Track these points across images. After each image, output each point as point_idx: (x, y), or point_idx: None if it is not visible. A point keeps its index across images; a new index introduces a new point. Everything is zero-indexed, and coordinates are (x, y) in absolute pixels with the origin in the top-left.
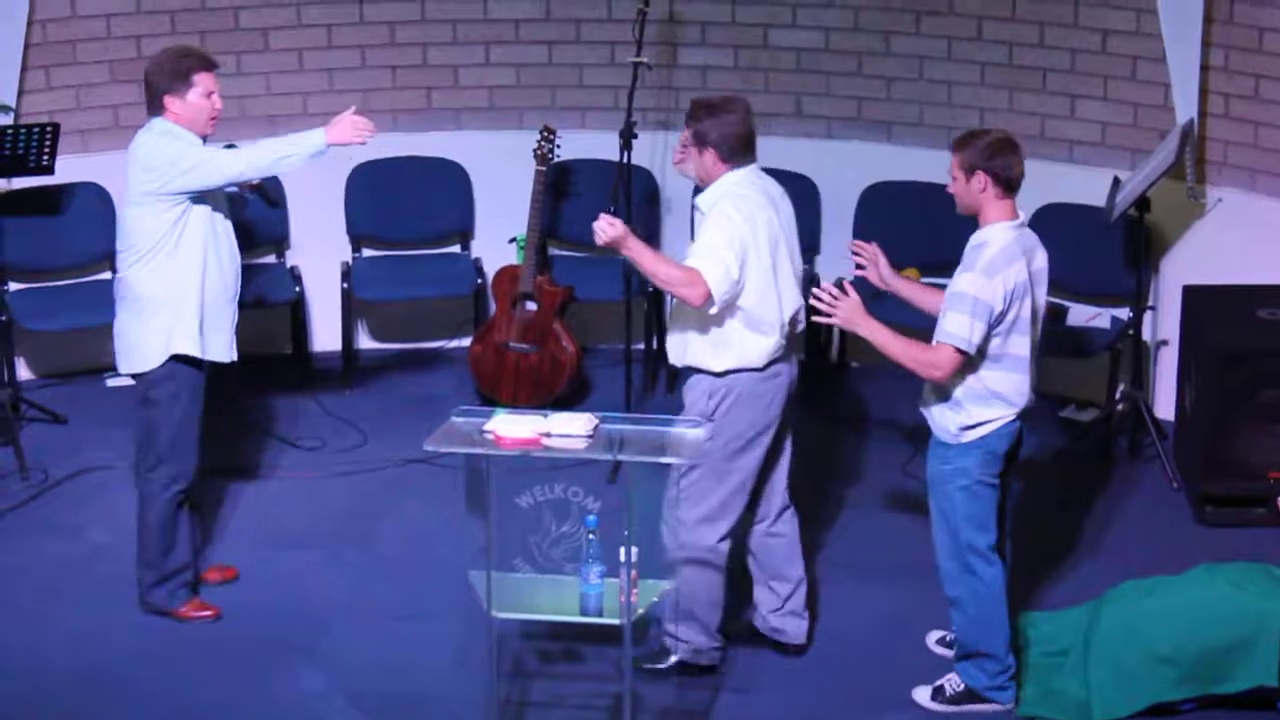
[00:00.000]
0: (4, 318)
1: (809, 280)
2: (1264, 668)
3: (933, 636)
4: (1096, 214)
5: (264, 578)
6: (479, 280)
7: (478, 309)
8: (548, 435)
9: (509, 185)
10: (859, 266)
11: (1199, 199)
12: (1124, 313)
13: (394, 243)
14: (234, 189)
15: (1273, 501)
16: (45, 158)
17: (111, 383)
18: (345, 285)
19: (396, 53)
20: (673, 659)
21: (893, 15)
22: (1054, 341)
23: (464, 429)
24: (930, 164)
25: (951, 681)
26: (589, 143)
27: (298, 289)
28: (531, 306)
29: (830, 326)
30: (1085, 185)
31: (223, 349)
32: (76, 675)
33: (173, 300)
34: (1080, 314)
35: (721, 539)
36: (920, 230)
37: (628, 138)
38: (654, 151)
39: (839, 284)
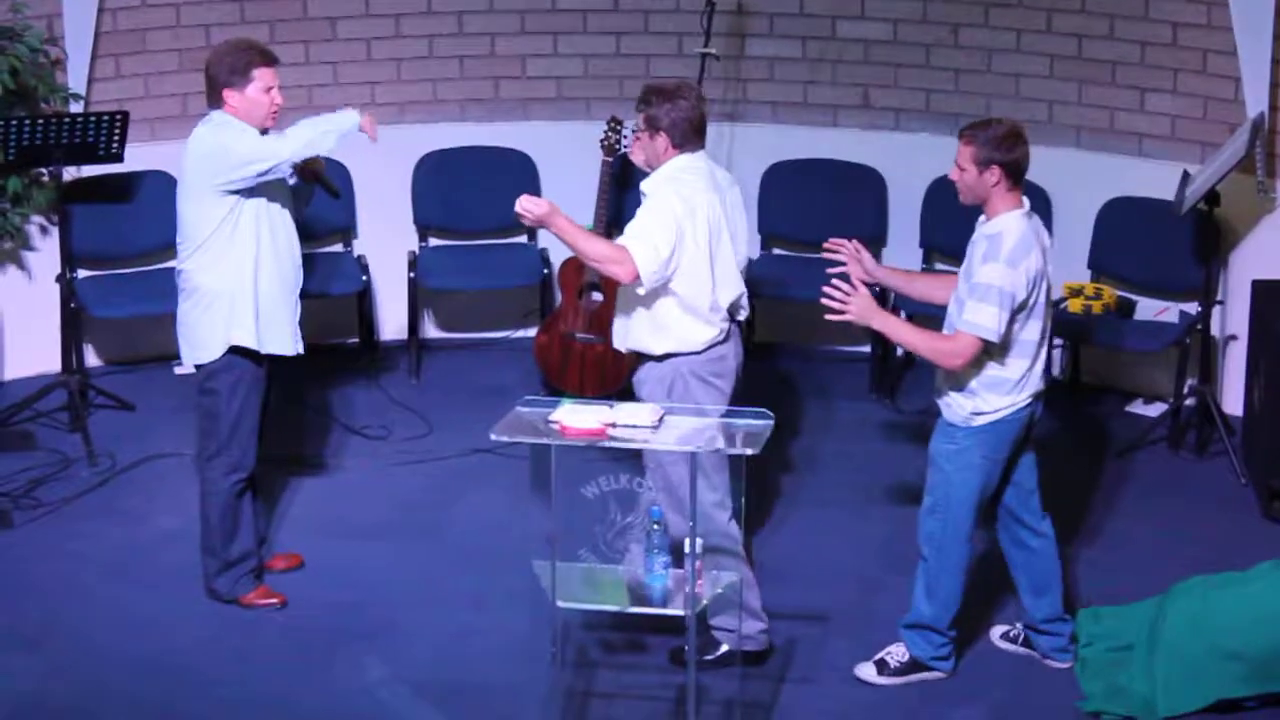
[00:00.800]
0: (72, 305)
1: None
2: None
3: (996, 632)
4: (1165, 208)
5: (329, 567)
6: (545, 270)
7: (544, 299)
8: (613, 426)
9: (576, 175)
10: (839, 264)
11: (1269, 193)
12: (1192, 307)
13: (461, 232)
14: (297, 181)
15: None
16: (114, 146)
17: (179, 370)
18: (412, 275)
19: (464, 42)
20: (723, 649)
21: (962, 7)
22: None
23: (530, 419)
24: None
25: (894, 654)
26: None
27: (364, 278)
28: (598, 297)
29: None
30: (1154, 179)
31: (284, 342)
32: (142, 661)
33: (229, 292)
34: (1149, 308)
35: (729, 519)
36: None
37: None
38: (720, 142)
39: (846, 280)
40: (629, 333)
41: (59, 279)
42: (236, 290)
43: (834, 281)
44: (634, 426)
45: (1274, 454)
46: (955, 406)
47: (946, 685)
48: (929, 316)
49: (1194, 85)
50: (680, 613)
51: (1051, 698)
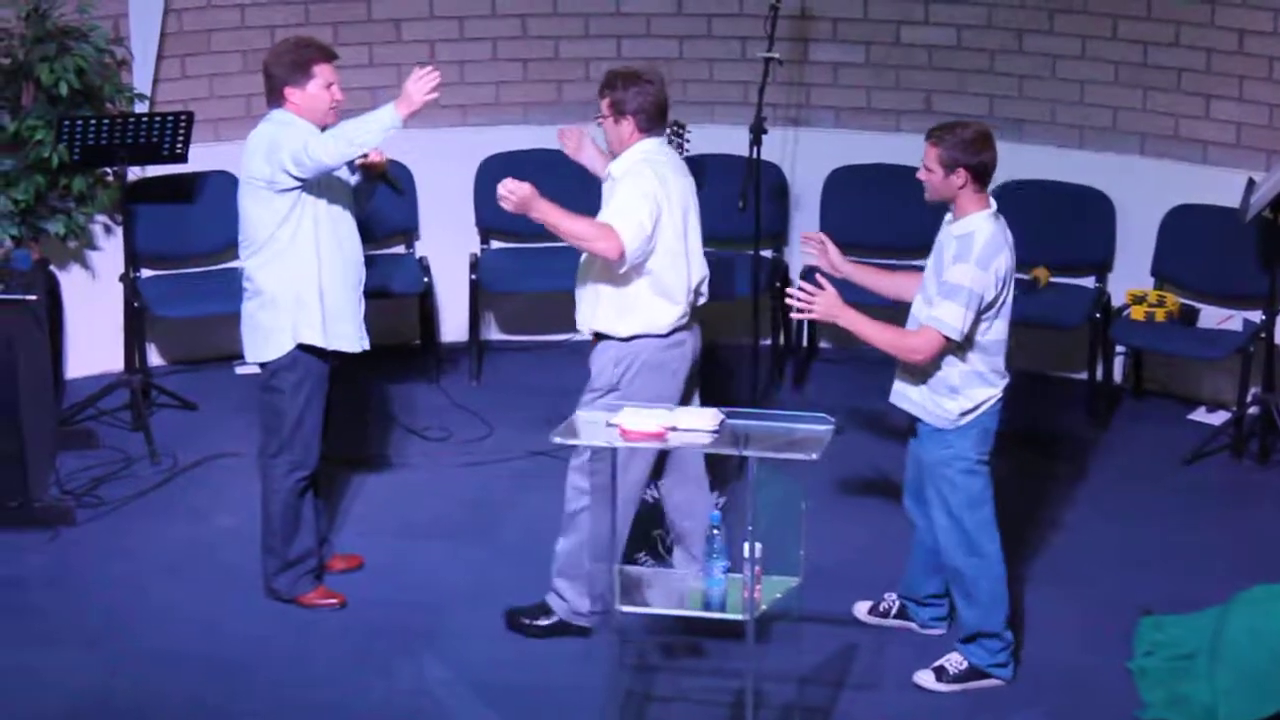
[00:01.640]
0: (136, 304)
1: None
2: None
3: (862, 608)
4: (1230, 215)
5: (389, 567)
6: None
7: None
8: (673, 430)
9: None
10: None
11: None
12: (1256, 315)
13: (523, 235)
14: (359, 180)
15: None
16: (179, 146)
17: (241, 370)
18: (474, 277)
19: (528, 45)
20: (554, 618)
21: (1026, 13)
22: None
23: (590, 422)
24: (1062, 163)
25: (953, 661)
26: (718, 137)
27: (426, 280)
28: None
29: None
30: (1219, 186)
31: (349, 339)
32: (202, 661)
33: (293, 291)
34: (1212, 315)
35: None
36: (1050, 229)
37: (758, 133)
38: (784, 146)
39: (810, 279)
40: (595, 314)
41: (122, 278)
42: (301, 288)
43: (799, 282)
44: (694, 430)
45: None
46: (942, 412)
47: (1003, 692)
48: (880, 307)
49: (1260, 92)
50: (740, 617)
51: (1109, 705)
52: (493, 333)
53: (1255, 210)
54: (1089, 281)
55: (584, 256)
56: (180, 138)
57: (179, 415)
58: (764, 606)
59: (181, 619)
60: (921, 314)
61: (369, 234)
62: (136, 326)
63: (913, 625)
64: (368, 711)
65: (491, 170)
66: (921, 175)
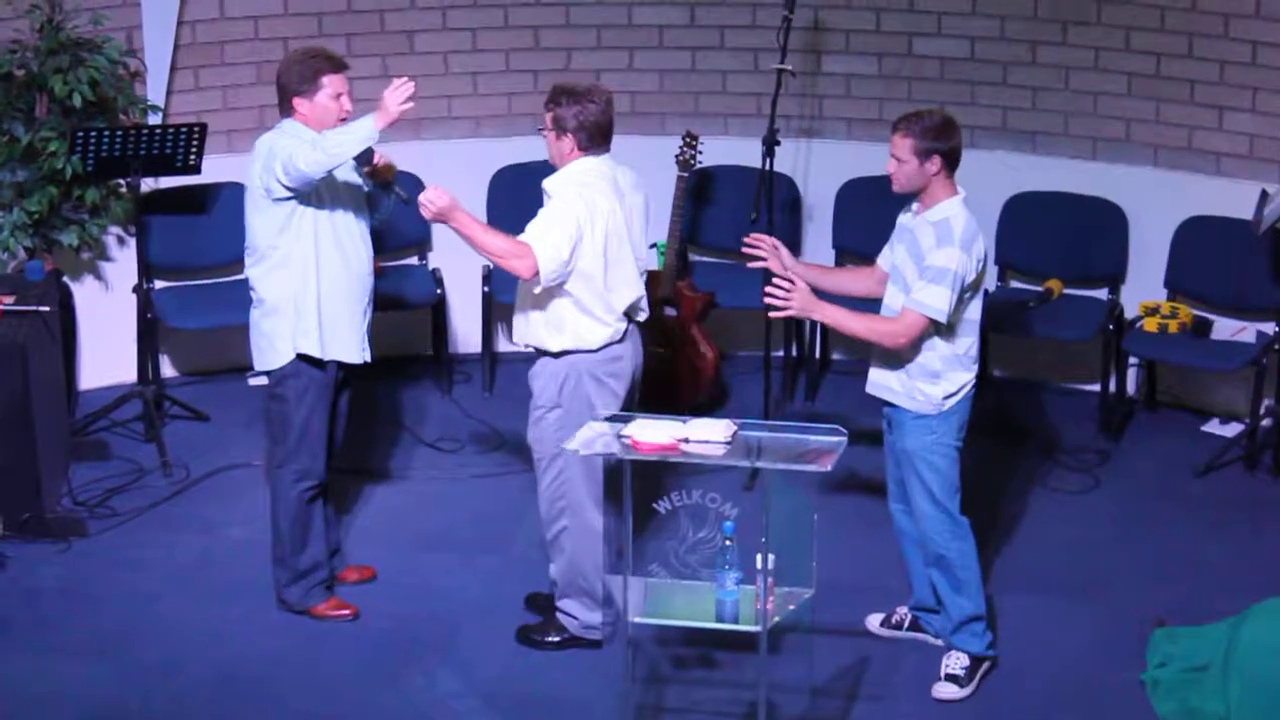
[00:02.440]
0: (149, 315)
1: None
2: None
3: (874, 620)
4: (1243, 227)
5: (401, 579)
6: None
7: None
8: (686, 441)
9: (651, 190)
10: (759, 259)
11: None
12: (1270, 327)
13: None
14: (371, 188)
15: None
16: (192, 157)
17: (253, 381)
18: (486, 288)
19: (540, 57)
20: (565, 634)
21: (1039, 25)
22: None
23: (602, 433)
24: (1076, 174)
25: (957, 661)
26: (731, 149)
27: (439, 291)
28: (671, 312)
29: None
30: (1232, 198)
31: (350, 350)
32: (213, 672)
33: (292, 300)
34: (1225, 327)
35: (595, 515)
36: (1063, 241)
37: (770, 144)
38: (796, 158)
39: (769, 281)
40: (528, 328)
41: (136, 289)
42: (299, 297)
43: (775, 279)
44: (707, 442)
45: None
46: (926, 398)
47: (1015, 704)
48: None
49: (1273, 104)
50: (753, 629)
51: (1122, 717)
52: (505, 344)
53: (1269, 222)
54: (1102, 293)
55: None
56: (193, 149)
57: (191, 426)
58: (776, 618)
59: (193, 630)
60: (897, 302)
61: (381, 245)
62: (149, 338)
63: (926, 637)
64: None
65: (504, 181)
66: (891, 168)
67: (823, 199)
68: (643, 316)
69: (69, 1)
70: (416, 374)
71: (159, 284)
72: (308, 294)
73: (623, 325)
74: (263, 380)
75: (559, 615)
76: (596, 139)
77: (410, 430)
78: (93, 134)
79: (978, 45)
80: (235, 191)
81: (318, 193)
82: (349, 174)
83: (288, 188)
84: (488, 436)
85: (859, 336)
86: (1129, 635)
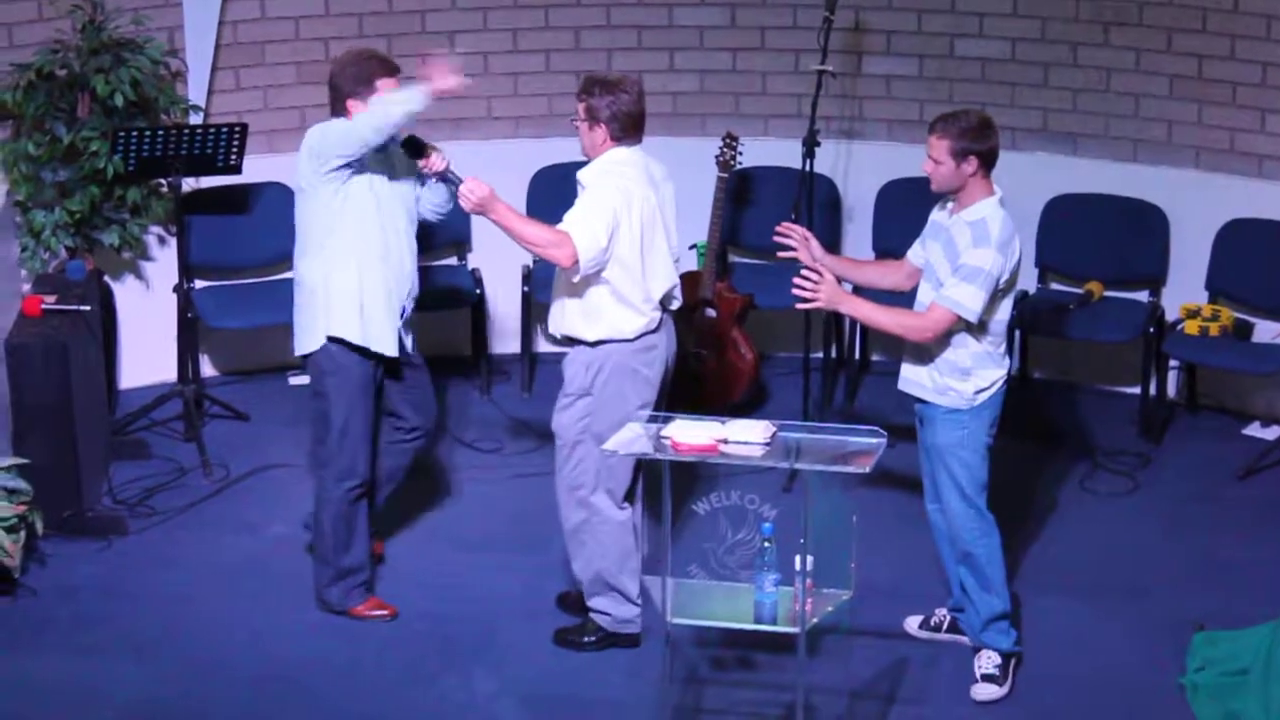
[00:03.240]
0: (189, 315)
1: None
2: None
3: (913, 623)
4: None
5: (439, 579)
6: None
7: None
8: (725, 442)
9: (691, 192)
10: (789, 249)
11: None
12: None
13: None
14: (428, 182)
15: None
16: (233, 157)
17: (294, 381)
18: (526, 289)
19: (580, 58)
20: (601, 633)
21: (1081, 26)
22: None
23: (642, 434)
24: (1117, 176)
25: (989, 660)
26: (771, 150)
27: (479, 291)
28: (711, 313)
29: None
30: (1274, 200)
31: (386, 341)
32: (251, 672)
33: (331, 284)
34: (1267, 330)
35: (622, 506)
36: (1104, 243)
37: (811, 146)
38: (836, 160)
39: (803, 268)
40: (564, 318)
41: (176, 289)
42: (340, 282)
43: (803, 271)
44: (746, 443)
45: None
46: (957, 393)
47: (1053, 707)
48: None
49: None
50: (791, 630)
51: None
52: (544, 345)
53: None
54: (1143, 295)
55: None
56: (234, 149)
57: (231, 426)
58: (815, 620)
59: (232, 630)
60: (928, 298)
61: (422, 245)
62: (190, 337)
63: (965, 639)
64: None
65: (544, 182)
66: (928, 168)
67: (863, 201)
68: (676, 305)
69: (111, 2)
70: (455, 374)
71: (199, 283)
72: (348, 280)
73: (658, 314)
74: (304, 380)
75: (592, 615)
76: (629, 129)
77: (449, 430)
78: (134, 134)
79: (1019, 46)
80: (276, 191)
81: (364, 190)
82: (404, 175)
83: (341, 156)
84: (526, 436)
85: (886, 330)
86: (1169, 639)
